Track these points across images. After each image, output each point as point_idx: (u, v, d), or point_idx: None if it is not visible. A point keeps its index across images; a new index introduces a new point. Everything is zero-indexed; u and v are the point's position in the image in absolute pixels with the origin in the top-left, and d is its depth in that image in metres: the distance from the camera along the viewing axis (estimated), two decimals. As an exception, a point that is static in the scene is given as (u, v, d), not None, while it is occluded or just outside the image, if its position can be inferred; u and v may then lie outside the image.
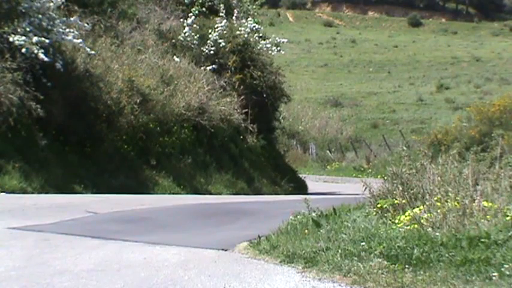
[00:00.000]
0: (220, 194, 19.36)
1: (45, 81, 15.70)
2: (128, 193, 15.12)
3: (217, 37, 24.27)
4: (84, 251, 6.90)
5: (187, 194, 17.92)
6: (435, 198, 7.06)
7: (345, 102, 63.26)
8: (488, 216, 6.57)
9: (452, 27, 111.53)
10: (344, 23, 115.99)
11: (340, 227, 7.28)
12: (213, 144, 21.42)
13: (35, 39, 15.54)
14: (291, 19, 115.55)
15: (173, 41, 23.95)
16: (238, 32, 24.65)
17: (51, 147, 15.76)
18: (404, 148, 8.42)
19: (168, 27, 24.45)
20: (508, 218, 6.38)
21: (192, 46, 24.12)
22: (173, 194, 17.39)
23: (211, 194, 19.12)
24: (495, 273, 5.34)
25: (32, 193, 13.68)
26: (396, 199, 7.62)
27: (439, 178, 7.43)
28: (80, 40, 16.84)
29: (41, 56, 15.40)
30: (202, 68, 22.94)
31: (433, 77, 72.90)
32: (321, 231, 7.13)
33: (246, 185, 21.42)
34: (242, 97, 22.99)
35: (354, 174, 37.68)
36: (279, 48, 25.94)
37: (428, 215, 6.87)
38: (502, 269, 5.37)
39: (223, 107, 21.71)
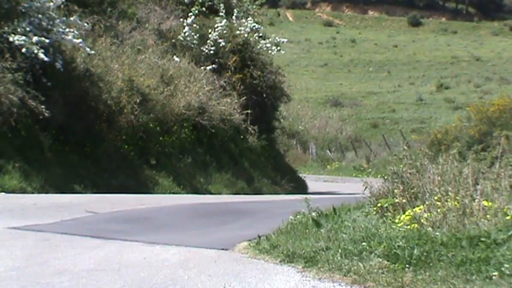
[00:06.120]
0: (220, 193, 19.35)
1: (45, 81, 15.70)
2: (128, 193, 15.12)
3: (217, 37, 24.26)
4: (84, 250, 6.90)
5: (187, 193, 17.92)
6: (435, 198, 7.06)
7: (345, 102, 63.28)
8: (488, 216, 6.57)
9: (452, 26, 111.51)
10: (344, 23, 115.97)
11: (340, 226, 7.28)
12: (213, 144, 21.41)
13: (35, 39, 15.53)
14: (290, 19, 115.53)
15: (173, 40, 23.94)
16: (238, 32, 24.65)
17: (51, 147, 15.75)
18: (405, 148, 8.42)
19: (168, 27, 24.45)
20: (508, 218, 6.38)
21: (192, 46, 24.12)
22: (173, 193, 17.38)
23: (211, 193, 19.12)
24: (495, 273, 5.34)
25: (32, 193, 13.67)
26: (396, 198, 7.63)
27: (439, 178, 7.43)
28: (80, 40, 16.82)
29: (41, 56, 15.39)
30: (202, 67, 22.92)
31: (433, 76, 72.91)
32: (321, 230, 7.13)
33: (246, 185, 21.41)
34: (243, 97, 22.98)
35: (354, 174, 37.69)
36: (278, 48, 25.94)
37: (429, 214, 6.87)
38: (502, 269, 5.37)
39: (223, 107, 21.70)
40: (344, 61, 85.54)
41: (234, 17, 25.26)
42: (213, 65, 23.60)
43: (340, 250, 6.19)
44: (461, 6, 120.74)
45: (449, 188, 7.10)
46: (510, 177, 7.24)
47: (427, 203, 7.12)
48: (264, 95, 24.62)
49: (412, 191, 7.56)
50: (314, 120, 54.14)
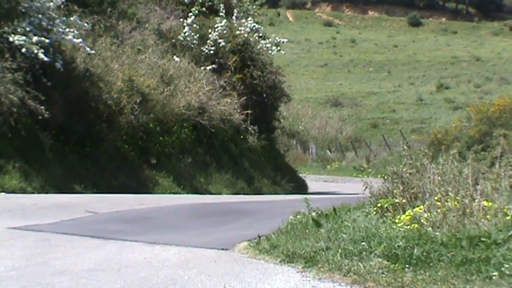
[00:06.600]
0: (220, 193, 19.35)
1: (45, 81, 15.70)
2: (128, 193, 15.12)
3: (217, 37, 24.26)
4: (84, 250, 6.90)
5: (187, 193, 17.92)
6: (435, 198, 7.06)
7: (345, 102, 63.28)
8: (488, 216, 6.57)
9: (452, 26, 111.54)
10: (344, 23, 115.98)
11: (340, 226, 7.27)
12: (213, 144, 21.41)
13: (35, 39, 15.53)
14: (291, 19, 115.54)
15: (173, 40, 23.94)
16: (238, 32, 24.65)
17: (51, 147, 15.75)
18: (405, 148, 8.41)
19: (168, 27, 24.44)
20: (508, 218, 6.38)
21: (192, 46, 24.11)
22: (173, 193, 17.38)
23: (211, 193, 19.11)
24: (495, 273, 5.34)
25: (32, 193, 13.67)
26: (396, 198, 7.62)
27: (439, 178, 7.43)
28: (80, 40, 16.82)
29: (41, 55, 15.39)
30: (202, 67, 22.93)
31: (433, 76, 72.91)
32: (321, 230, 7.12)
33: (246, 185, 21.41)
34: (243, 97, 22.97)
35: (354, 174, 37.69)
36: (279, 48, 25.94)
37: (429, 214, 6.87)
38: (502, 269, 5.37)
39: (223, 107, 21.71)
40: (344, 61, 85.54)
41: (234, 17, 25.26)
42: (213, 65, 23.59)
43: (340, 250, 6.18)
44: (461, 6, 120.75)
45: (449, 188, 7.10)
46: (510, 177, 7.24)
47: (427, 203, 7.12)
48: (264, 95, 24.62)
49: (412, 191, 7.56)
50: (314, 120, 54.14)
